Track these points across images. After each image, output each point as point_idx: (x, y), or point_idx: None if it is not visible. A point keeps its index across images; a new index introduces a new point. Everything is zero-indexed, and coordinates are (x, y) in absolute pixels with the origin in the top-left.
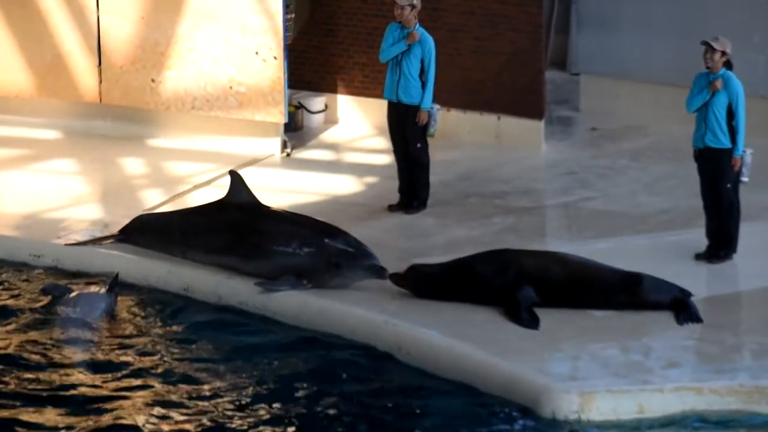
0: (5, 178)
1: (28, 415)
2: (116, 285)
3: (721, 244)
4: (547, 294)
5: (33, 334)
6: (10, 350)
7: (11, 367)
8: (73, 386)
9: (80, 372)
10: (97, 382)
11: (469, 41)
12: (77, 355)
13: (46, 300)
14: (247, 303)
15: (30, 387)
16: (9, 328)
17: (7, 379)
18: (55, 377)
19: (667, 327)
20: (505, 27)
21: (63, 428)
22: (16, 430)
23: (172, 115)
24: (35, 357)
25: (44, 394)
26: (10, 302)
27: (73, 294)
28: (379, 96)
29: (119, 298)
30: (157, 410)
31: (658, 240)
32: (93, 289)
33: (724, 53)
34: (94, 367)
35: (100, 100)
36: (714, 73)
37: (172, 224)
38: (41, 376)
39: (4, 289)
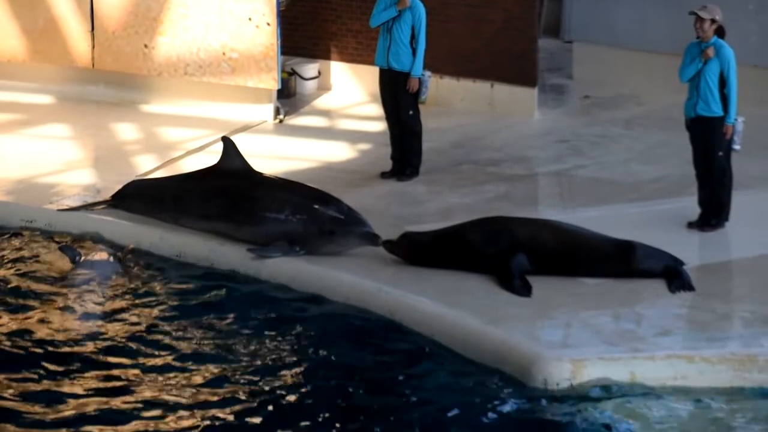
0: None
1: (41, 372)
2: (126, 255)
3: (713, 212)
4: (539, 261)
5: (49, 296)
6: (25, 310)
7: (25, 328)
8: (85, 349)
9: (92, 333)
10: (108, 344)
11: (462, 8)
12: (90, 317)
13: (62, 262)
14: (239, 269)
15: (42, 345)
16: (24, 286)
17: (19, 339)
18: (68, 337)
19: (659, 295)
20: None
21: (77, 390)
22: (26, 385)
23: (165, 80)
24: (49, 318)
25: (56, 352)
26: (26, 265)
27: (85, 258)
28: (373, 63)
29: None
30: (162, 372)
31: (651, 208)
32: (103, 255)
33: (713, 21)
34: (106, 330)
35: (93, 65)
36: (705, 41)
37: (164, 190)
38: (56, 334)
39: (17, 253)
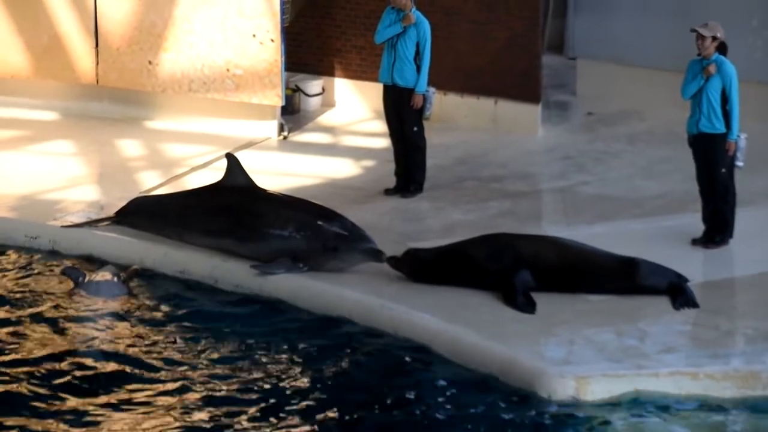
0: (1, 160)
1: (43, 390)
2: (130, 276)
3: (717, 229)
4: (542, 278)
5: (50, 316)
6: (28, 330)
7: (28, 350)
8: (87, 370)
9: (95, 354)
10: (111, 365)
11: (466, 25)
12: (92, 339)
13: (65, 283)
14: (242, 286)
15: (50, 368)
16: (27, 310)
17: (20, 360)
18: (70, 358)
19: (663, 312)
20: (502, 11)
21: (79, 410)
22: (27, 405)
23: (169, 97)
24: (51, 338)
25: (58, 372)
26: (30, 284)
27: (89, 279)
28: (377, 79)
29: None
30: (165, 393)
31: (654, 224)
32: (107, 275)
33: (715, 38)
34: (109, 350)
35: (97, 81)
36: (707, 58)
37: (168, 207)
38: (60, 356)
39: (22, 271)
